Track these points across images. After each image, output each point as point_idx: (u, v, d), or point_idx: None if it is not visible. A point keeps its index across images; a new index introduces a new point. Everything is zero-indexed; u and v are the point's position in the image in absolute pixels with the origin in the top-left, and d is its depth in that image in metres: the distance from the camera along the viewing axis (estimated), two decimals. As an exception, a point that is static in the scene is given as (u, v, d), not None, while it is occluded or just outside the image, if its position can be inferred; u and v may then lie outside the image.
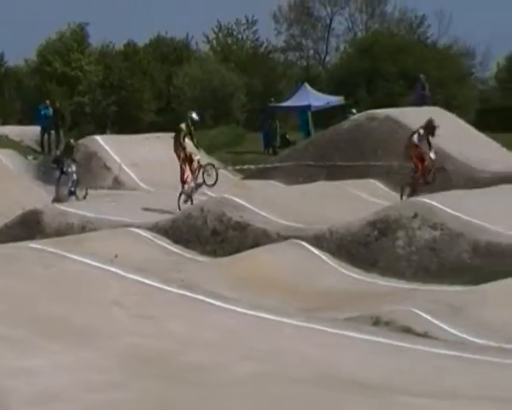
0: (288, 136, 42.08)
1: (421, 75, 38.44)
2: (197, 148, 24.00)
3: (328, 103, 46.09)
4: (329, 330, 11.35)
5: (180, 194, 22.86)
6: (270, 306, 12.45)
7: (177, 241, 20.02)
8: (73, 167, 26.03)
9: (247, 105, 54.39)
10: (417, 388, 9.21)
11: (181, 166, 23.57)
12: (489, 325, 12.99)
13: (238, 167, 32.86)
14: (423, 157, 23.67)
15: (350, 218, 19.01)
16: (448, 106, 35.73)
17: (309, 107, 45.42)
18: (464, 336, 12.44)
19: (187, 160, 23.51)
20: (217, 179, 23.58)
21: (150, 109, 54.62)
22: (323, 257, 17.63)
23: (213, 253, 19.11)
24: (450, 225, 17.85)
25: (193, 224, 20.53)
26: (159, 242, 20.01)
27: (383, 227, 18.09)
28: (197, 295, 11.72)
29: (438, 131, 24.13)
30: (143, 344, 9.51)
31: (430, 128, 24.04)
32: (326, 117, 41.10)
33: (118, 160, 29.92)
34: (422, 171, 23.60)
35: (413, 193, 22.91)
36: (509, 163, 28.76)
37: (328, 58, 67.18)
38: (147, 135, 34.68)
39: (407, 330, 12.32)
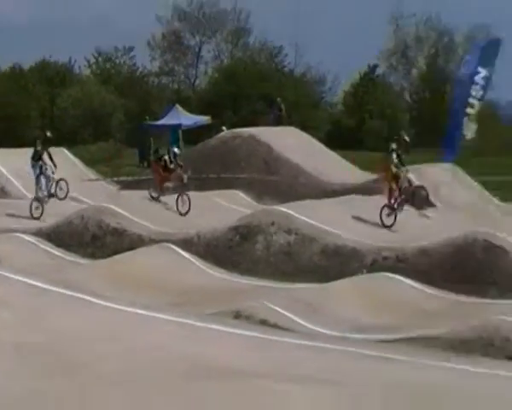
0: (160, 151, 41.95)
1: (278, 99, 39.04)
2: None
3: (196, 123, 46.85)
4: (198, 323, 11.47)
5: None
6: (144, 303, 12.49)
7: (59, 245, 19.88)
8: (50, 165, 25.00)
9: (124, 124, 54.54)
10: (276, 374, 9.39)
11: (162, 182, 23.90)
12: (336, 317, 13.29)
13: (116, 179, 32.69)
14: (398, 176, 22.29)
15: (216, 224, 19.15)
16: (303, 126, 36.33)
17: (180, 125, 46.18)
18: (315, 327, 12.69)
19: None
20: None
21: (35, 126, 53.99)
22: (192, 259, 17.72)
23: (93, 256, 19.03)
24: (303, 231, 18.16)
25: (74, 229, 20.43)
26: (42, 246, 19.81)
27: (245, 232, 18.32)
28: (79, 295, 11.69)
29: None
30: (28, 342, 9.45)
31: (403, 144, 22.90)
32: (195, 135, 41.40)
33: (4, 171, 29.37)
34: (398, 190, 22.20)
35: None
36: (356, 177, 29.51)
37: (197, 82, 67.97)
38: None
39: (264, 323, 12.50)
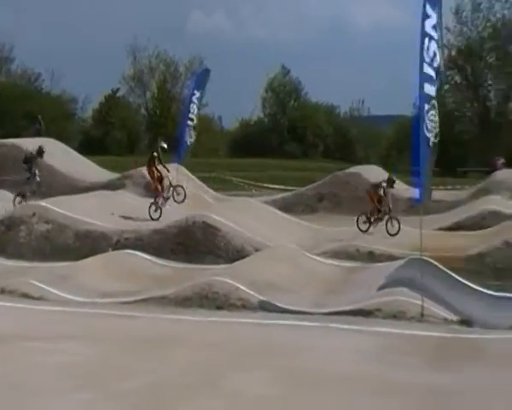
0: None
1: (39, 116, 38.24)
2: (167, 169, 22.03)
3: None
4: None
5: (150, 205, 20.72)
6: None
7: None
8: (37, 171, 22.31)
9: None
10: (35, 335, 9.17)
11: (154, 184, 21.49)
12: (87, 287, 13.09)
13: None
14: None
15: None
16: (59, 137, 35.60)
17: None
18: (69, 296, 12.45)
19: (158, 179, 21.39)
20: (185, 197, 21.89)
21: None
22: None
23: None
24: (59, 220, 17.80)
25: None
26: None
27: (9, 223, 17.71)
28: None
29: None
30: None
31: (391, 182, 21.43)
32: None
33: None
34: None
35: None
36: (103, 176, 29.38)
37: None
38: None
39: (25, 296, 12.16)
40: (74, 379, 7.35)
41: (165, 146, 22.31)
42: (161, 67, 66.84)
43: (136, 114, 65.74)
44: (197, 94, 28.87)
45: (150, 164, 21.82)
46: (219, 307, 11.48)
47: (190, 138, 28.45)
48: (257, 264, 14.09)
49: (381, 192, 20.97)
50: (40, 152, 23.66)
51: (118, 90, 64.97)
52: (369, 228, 20.16)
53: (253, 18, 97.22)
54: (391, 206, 20.73)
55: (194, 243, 17.29)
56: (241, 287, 12.10)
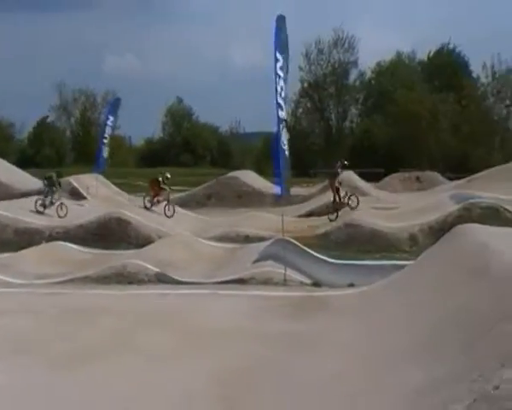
0: None
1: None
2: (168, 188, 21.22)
3: None
4: None
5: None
6: None
7: None
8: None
9: None
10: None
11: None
12: (25, 272, 12.57)
13: None
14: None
15: None
16: (0, 155, 33.88)
17: None
18: (8, 279, 11.90)
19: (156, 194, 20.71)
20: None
21: None
22: None
23: None
24: (1, 220, 17.05)
25: None
26: None
27: None
28: None
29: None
30: None
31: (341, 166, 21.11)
32: None
33: None
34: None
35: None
36: (35, 184, 28.23)
37: None
38: None
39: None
40: (14, 346, 7.05)
41: (169, 176, 21.75)
42: (82, 98, 65.37)
43: (63, 135, 63.89)
44: (111, 118, 28.33)
45: (154, 183, 21.22)
46: (131, 283, 11.30)
47: (105, 153, 27.96)
48: (160, 248, 13.94)
49: (337, 182, 20.41)
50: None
51: (47, 117, 63.15)
52: (337, 217, 18.89)
53: (155, 58, 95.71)
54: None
55: (111, 234, 16.95)
56: (149, 266, 11.95)
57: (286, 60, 11.89)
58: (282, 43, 11.84)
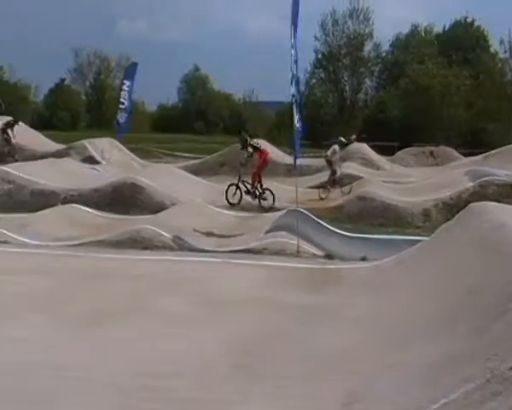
0: None
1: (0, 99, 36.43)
2: None
3: None
4: None
5: None
6: None
7: None
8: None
9: None
10: (1, 270, 8.83)
11: None
12: (42, 233, 12.70)
13: None
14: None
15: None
16: (16, 116, 33.90)
17: None
18: (27, 240, 12.05)
19: None
20: None
21: None
22: None
23: None
24: (17, 181, 17.22)
25: None
26: None
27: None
28: None
29: None
30: None
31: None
32: None
33: None
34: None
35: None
36: (49, 146, 28.43)
37: None
38: None
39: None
40: (32, 304, 7.16)
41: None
42: (97, 62, 65.25)
43: (78, 98, 63.87)
44: (127, 83, 28.20)
45: None
46: (146, 248, 11.37)
47: (122, 118, 27.92)
48: (173, 215, 14.01)
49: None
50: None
51: (65, 79, 63.23)
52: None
53: (170, 23, 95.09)
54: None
55: (124, 199, 17.02)
56: (162, 232, 12.01)
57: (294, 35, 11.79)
58: (296, 19, 11.72)
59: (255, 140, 16.78)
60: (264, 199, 16.35)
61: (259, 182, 16.63)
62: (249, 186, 16.55)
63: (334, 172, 19.89)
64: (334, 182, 19.69)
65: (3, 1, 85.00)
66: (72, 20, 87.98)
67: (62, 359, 5.52)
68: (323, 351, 5.56)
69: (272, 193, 16.36)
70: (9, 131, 23.45)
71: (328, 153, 20.35)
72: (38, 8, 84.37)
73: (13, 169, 18.03)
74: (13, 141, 22.27)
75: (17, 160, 20.99)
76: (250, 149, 15.74)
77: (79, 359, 5.54)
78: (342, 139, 20.82)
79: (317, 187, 21.42)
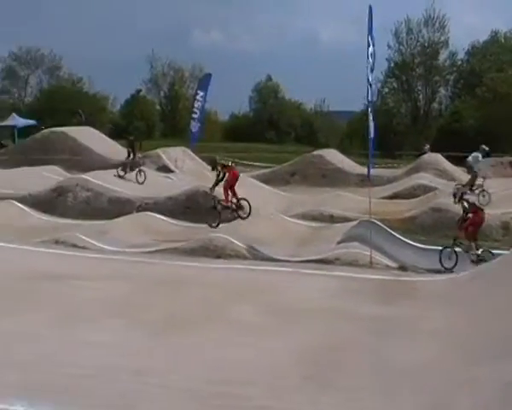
0: (2, 142, 39.77)
1: (80, 110, 38.19)
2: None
3: (26, 124, 44.45)
4: (31, 248, 10.93)
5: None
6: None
7: None
8: None
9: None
10: (82, 275, 9.18)
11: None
12: (118, 239, 13.11)
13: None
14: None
15: (41, 187, 18.19)
16: (94, 126, 35.33)
17: (15, 126, 43.46)
18: (104, 246, 12.46)
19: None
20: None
21: None
22: (27, 209, 16.74)
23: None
24: (96, 189, 17.83)
25: None
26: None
27: (60, 191, 17.68)
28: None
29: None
30: None
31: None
32: (26, 132, 39.00)
33: None
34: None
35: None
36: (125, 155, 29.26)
37: (26, 99, 64.13)
38: None
39: (74, 246, 12.13)
40: (110, 309, 7.37)
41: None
42: (171, 73, 66.82)
43: (153, 108, 65.54)
44: (201, 93, 28.66)
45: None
46: (218, 257, 11.53)
47: (195, 128, 28.37)
48: (245, 224, 14.14)
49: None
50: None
51: (140, 90, 65.09)
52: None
53: (243, 34, 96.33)
54: None
55: (197, 207, 17.29)
56: (235, 241, 12.16)
57: (373, 44, 11.79)
58: (373, 29, 11.71)
59: (224, 160, 16.04)
60: (241, 208, 15.54)
61: (234, 195, 15.80)
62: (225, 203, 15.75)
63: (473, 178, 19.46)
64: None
65: (84, 18, 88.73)
66: (147, 32, 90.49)
67: (139, 364, 5.65)
68: (397, 364, 5.46)
69: (249, 203, 15.76)
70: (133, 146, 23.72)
71: (470, 158, 19.87)
72: (115, 22, 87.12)
73: (91, 177, 18.68)
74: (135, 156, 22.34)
75: (140, 170, 20.52)
76: (219, 168, 15.37)
77: (156, 364, 5.66)
78: (485, 148, 20.50)
79: (389, 197, 21.10)
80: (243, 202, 15.65)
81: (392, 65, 58.89)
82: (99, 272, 9.65)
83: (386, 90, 59.29)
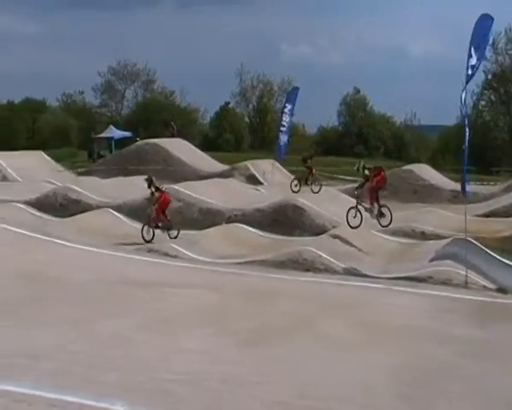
0: (101, 152, 41.43)
1: (172, 122, 39.24)
2: None
3: (123, 136, 46.29)
4: (126, 255, 11.36)
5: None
6: (94, 243, 12.21)
7: (39, 209, 19.05)
8: None
9: (79, 136, 53.48)
10: (175, 283, 9.43)
11: None
12: (208, 250, 13.32)
13: (75, 170, 31.66)
14: None
15: (135, 196, 18.71)
16: (186, 138, 36.17)
17: (112, 138, 45.32)
18: (195, 256, 12.70)
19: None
20: None
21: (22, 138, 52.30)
22: (122, 218, 17.35)
23: (61, 216, 18.25)
24: (187, 199, 18.21)
25: (49, 200, 19.69)
26: (30, 210, 18.95)
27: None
28: (53, 239, 11.39)
29: None
30: (23, 267, 9.16)
31: None
32: (122, 143, 40.55)
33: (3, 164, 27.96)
34: None
35: None
36: (217, 167, 29.82)
37: (123, 111, 66.75)
38: (22, 152, 32.89)
39: (166, 254, 12.43)
40: (201, 318, 7.53)
41: None
42: (260, 86, 67.56)
43: (241, 121, 66.42)
44: (288, 106, 28.71)
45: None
46: (307, 270, 11.48)
47: (282, 141, 28.42)
48: (334, 237, 14.02)
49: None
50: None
51: (229, 102, 65.98)
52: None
53: (332, 47, 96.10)
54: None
55: (286, 220, 17.32)
56: (324, 255, 12.07)
57: (480, 58, 11.40)
58: (479, 40, 11.31)
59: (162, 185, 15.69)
60: (169, 229, 14.93)
61: (165, 216, 15.16)
62: (160, 223, 15.13)
63: None
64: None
65: (176, 32, 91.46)
66: (237, 46, 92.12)
67: (229, 372, 5.74)
68: (495, 391, 5.25)
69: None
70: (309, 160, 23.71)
71: None
72: (206, 38, 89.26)
73: (182, 188, 19.13)
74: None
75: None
76: (153, 189, 15.18)
77: (245, 374, 5.73)
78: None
79: (485, 215, 20.27)
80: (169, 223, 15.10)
81: (490, 76, 56.80)
82: (190, 280, 9.89)
83: (483, 103, 57.22)
